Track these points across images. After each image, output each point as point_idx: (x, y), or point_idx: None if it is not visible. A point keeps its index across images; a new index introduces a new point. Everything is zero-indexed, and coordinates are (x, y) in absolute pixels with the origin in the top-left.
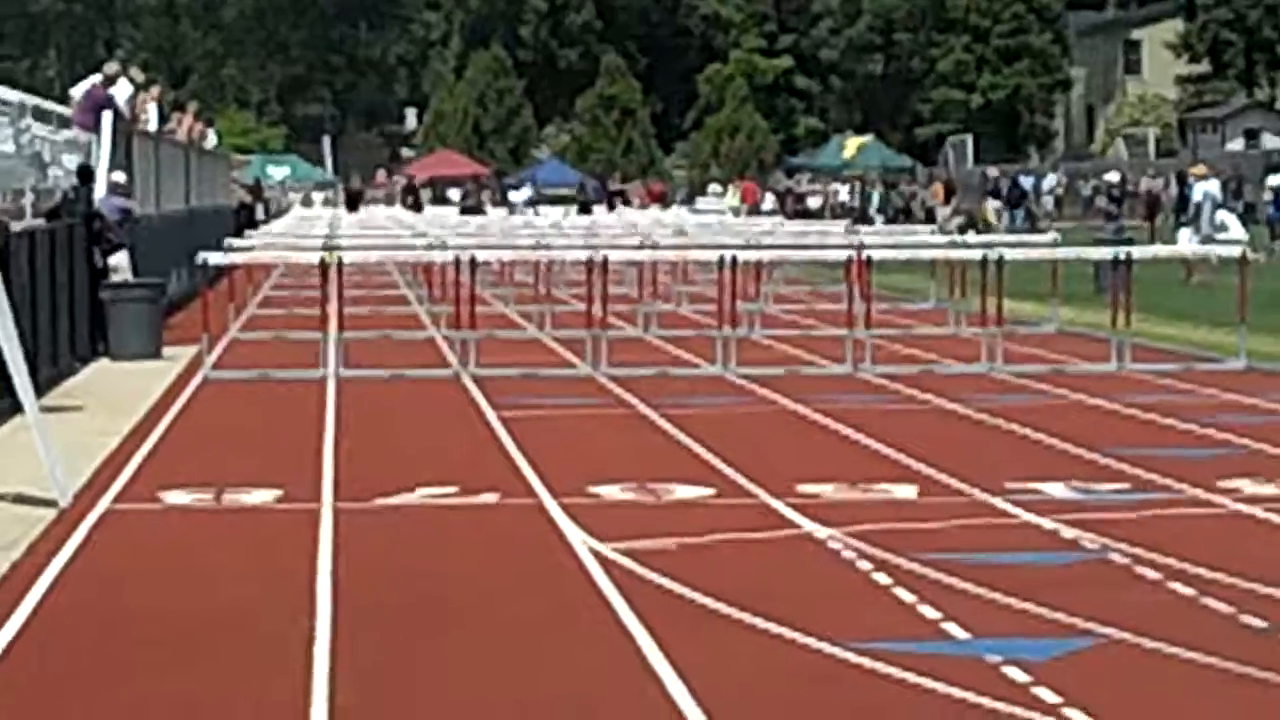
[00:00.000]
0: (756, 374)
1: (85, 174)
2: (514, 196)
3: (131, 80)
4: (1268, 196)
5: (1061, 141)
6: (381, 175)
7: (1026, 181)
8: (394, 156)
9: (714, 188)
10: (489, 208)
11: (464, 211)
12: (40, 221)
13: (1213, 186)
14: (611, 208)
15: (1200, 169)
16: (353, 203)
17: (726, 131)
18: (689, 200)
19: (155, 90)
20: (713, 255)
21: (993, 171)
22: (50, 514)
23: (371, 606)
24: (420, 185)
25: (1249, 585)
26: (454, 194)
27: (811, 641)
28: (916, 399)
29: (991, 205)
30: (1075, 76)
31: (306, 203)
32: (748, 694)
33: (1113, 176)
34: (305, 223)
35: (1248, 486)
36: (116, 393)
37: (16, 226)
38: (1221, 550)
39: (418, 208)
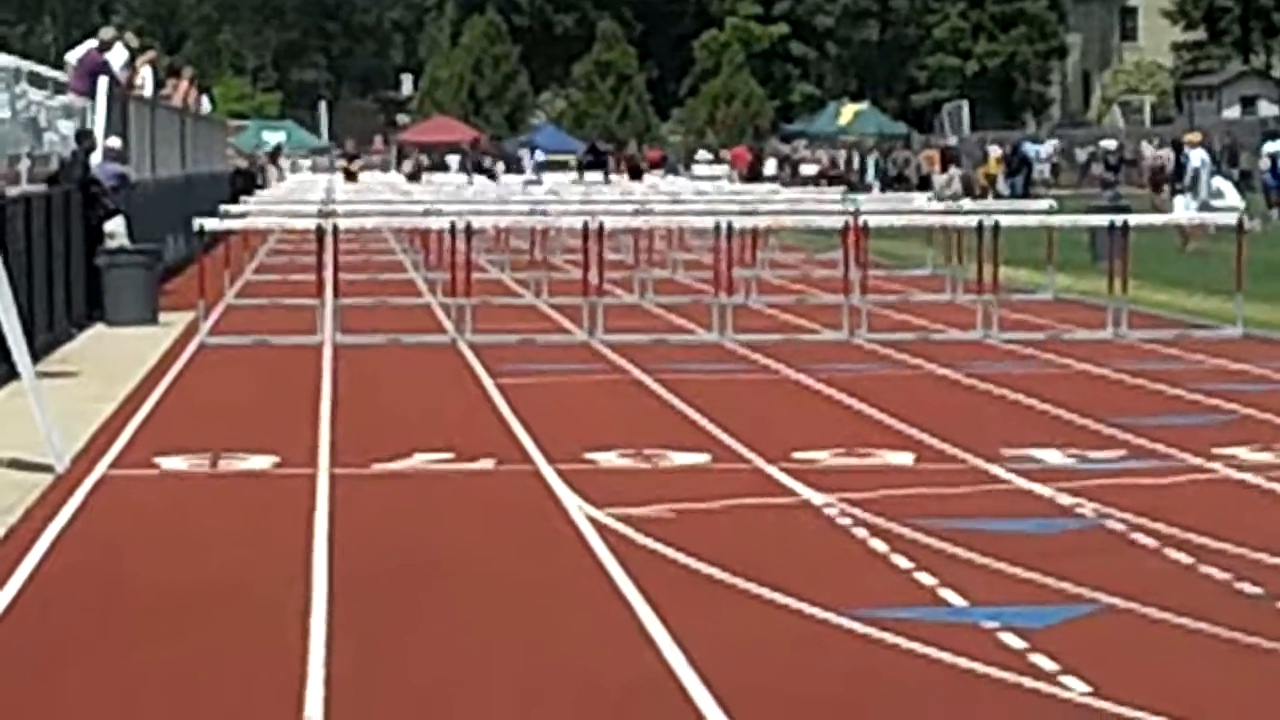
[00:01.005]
0: (753, 341)
1: (84, 138)
2: (528, 160)
3: (127, 46)
4: (1264, 164)
5: (1058, 108)
6: (378, 142)
7: (1031, 149)
8: (390, 122)
9: (703, 154)
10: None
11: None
12: (38, 187)
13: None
14: (635, 176)
15: (1195, 136)
16: (350, 173)
17: (722, 98)
18: (688, 167)
19: (151, 55)
20: (709, 222)
21: (951, 140)
22: (47, 479)
23: (368, 573)
24: (417, 154)
25: (1245, 552)
26: (452, 160)
27: (808, 608)
28: (913, 366)
29: (951, 174)
30: (1071, 43)
31: (294, 169)
32: (744, 660)
33: (1109, 143)
34: (301, 189)
35: (1244, 454)
36: (112, 359)
37: (12, 192)
38: (1218, 517)
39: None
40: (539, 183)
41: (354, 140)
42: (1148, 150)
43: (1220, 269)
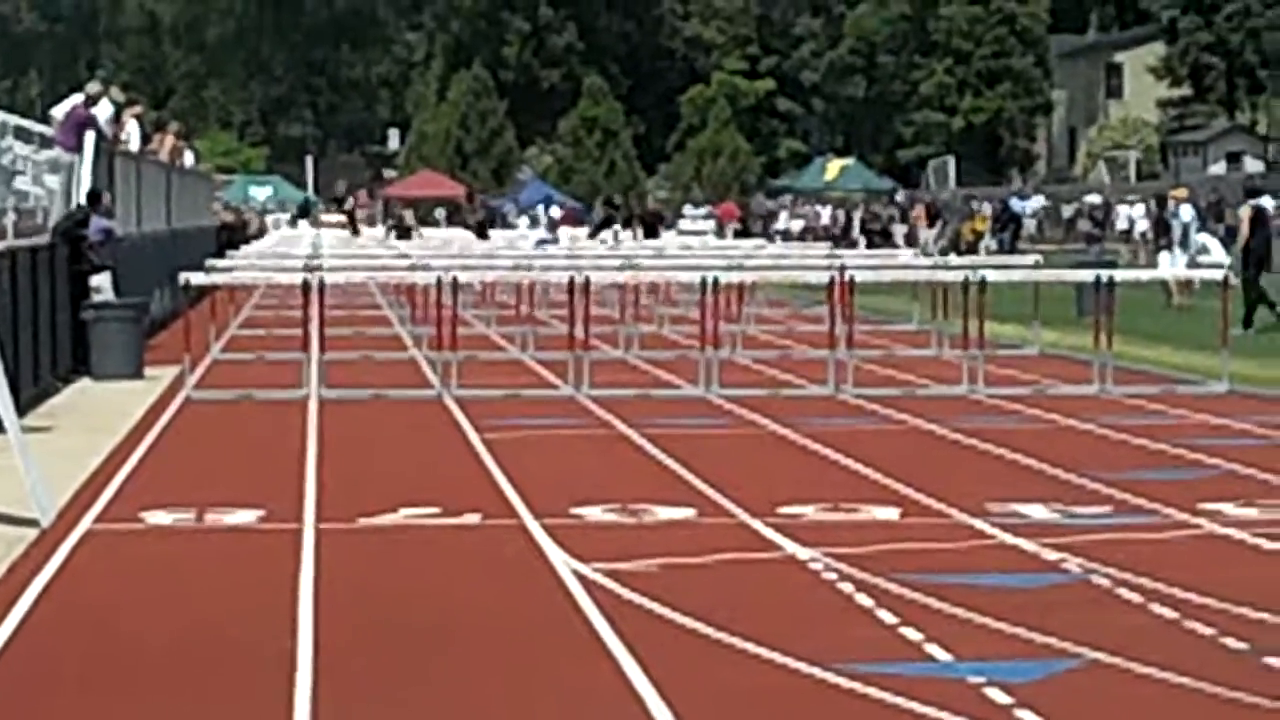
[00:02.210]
0: (738, 395)
1: (94, 198)
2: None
3: (113, 100)
4: None
5: (1043, 164)
6: (363, 196)
7: (1018, 204)
8: (376, 177)
9: (689, 209)
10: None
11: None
12: (23, 241)
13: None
14: (651, 233)
15: (1181, 191)
16: (355, 226)
17: (709, 153)
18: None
19: (137, 109)
20: (694, 277)
21: (943, 195)
22: (31, 534)
23: (353, 627)
24: (399, 211)
25: (1230, 607)
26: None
27: (793, 663)
28: (898, 420)
29: (942, 227)
30: (1057, 99)
31: (275, 226)
32: (730, 715)
33: (1094, 199)
34: (286, 243)
35: (1229, 509)
36: (98, 413)
37: None
38: (1203, 573)
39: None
40: (554, 241)
41: (346, 186)
42: (1124, 211)
43: (1206, 325)
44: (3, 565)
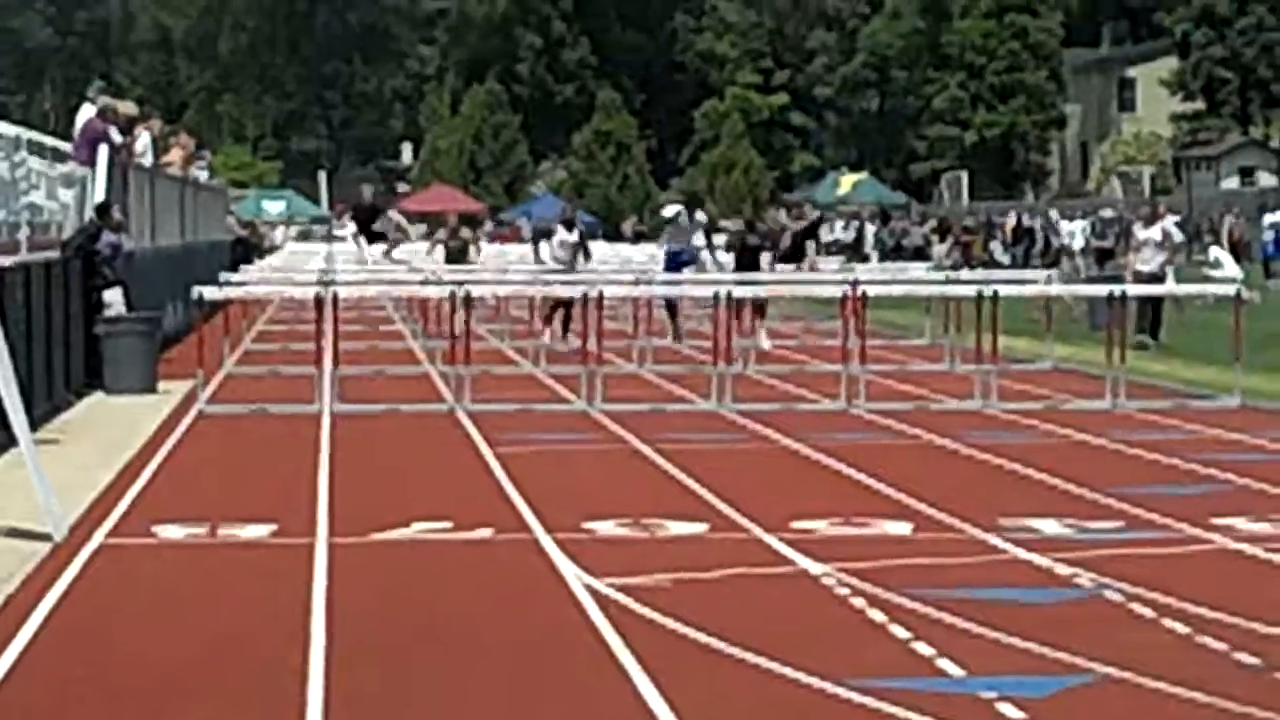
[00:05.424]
0: (751, 410)
1: (103, 211)
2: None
3: (122, 114)
4: (1268, 235)
5: (1056, 179)
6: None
7: (1066, 227)
8: (390, 191)
9: (700, 216)
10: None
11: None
12: (38, 255)
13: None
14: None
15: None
16: (369, 233)
17: (722, 167)
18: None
19: (151, 123)
20: (707, 291)
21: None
22: (45, 548)
23: (366, 642)
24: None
25: (1243, 623)
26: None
27: (806, 678)
28: (911, 435)
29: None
30: (1070, 113)
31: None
32: None
33: (1106, 213)
34: (300, 257)
35: (1242, 524)
36: (111, 427)
37: (11, 261)
38: (1216, 588)
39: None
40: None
41: (372, 193)
42: (1065, 226)
43: (1219, 339)
44: (16, 579)
